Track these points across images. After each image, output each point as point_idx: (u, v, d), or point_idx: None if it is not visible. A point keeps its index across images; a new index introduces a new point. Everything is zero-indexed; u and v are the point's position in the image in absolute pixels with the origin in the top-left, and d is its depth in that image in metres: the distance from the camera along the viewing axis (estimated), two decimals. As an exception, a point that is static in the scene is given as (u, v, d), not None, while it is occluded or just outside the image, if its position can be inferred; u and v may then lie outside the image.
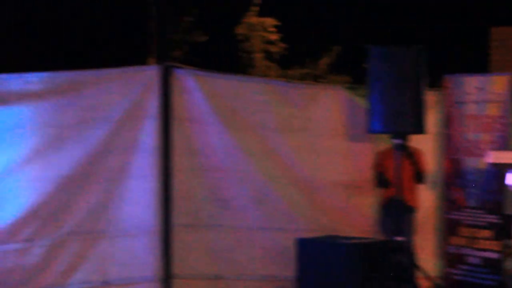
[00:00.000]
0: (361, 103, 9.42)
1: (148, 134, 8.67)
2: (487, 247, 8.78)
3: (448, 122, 9.24)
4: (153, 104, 8.65)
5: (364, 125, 8.96)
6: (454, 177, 9.19)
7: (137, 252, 8.64)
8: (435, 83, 9.81)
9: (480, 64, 13.41)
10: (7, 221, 8.04)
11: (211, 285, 9.01)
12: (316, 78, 18.84)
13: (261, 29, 19.12)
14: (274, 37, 19.40)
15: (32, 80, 8.21)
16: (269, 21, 19.16)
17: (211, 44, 19.72)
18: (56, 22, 20.66)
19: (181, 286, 8.91)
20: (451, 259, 9.03)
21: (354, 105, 9.58)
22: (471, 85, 8.95)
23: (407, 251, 8.71)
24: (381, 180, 9.27)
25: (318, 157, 9.52)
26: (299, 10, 21.21)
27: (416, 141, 9.11)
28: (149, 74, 8.72)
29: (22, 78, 8.18)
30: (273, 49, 19.41)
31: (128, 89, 8.63)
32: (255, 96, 9.40)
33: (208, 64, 12.29)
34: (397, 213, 8.98)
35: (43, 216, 8.20)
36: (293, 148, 9.37)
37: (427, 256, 9.23)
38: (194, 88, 8.99)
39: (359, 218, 9.52)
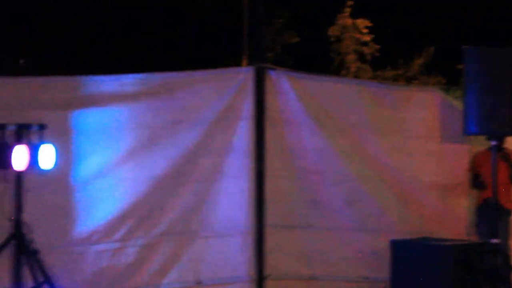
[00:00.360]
0: (456, 104, 9.41)
1: (242, 136, 8.77)
2: None
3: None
4: (247, 106, 8.75)
5: (459, 127, 8.92)
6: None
7: (230, 253, 8.72)
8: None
9: None
10: (102, 222, 8.21)
11: (304, 285, 9.02)
12: (409, 80, 18.64)
13: (354, 30, 19.05)
14: (366, 38, 19.24)
15: (127, 82, 8.37)
16: (362, 22, 19.03)
17: (303, 46, 19.81)
18: (152, 25, 21.22)
19: (273, 287, 8.97)
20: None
21: (449, 107, 9.53)
22: None
23: (502, 254, 8.62)
24: (477, 182, 9.19)
25: (412, 158, 9.49)
26: (391, 10, 21.17)
27: (512, 143, 9.27)
28: (243, 76, 8.81)
29: (118, 79, 8.38)
30: (365, 50, 19.34)
31: (222, 91, 8.73)
32: (348, 98, 9.42)
33: (301, 65, 12.33)
34: (492, 215, 8.89)
35: (137, 216, 8.35)
36: (387, 149, 9.38)
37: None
38: (288, 90, 9.04)
39: (454, 220, 9.49)
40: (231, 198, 8.79)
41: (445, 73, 18.94)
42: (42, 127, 7.58)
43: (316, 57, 19.04)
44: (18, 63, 20.46)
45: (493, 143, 8.79)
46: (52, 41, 20.26)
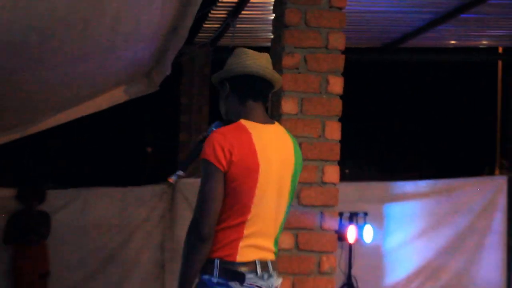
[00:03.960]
0: None
1: (498, 222, 9.75)
2: None
3: None
4: (502, 201, 9.75)
5: None
6: None
7: None
8: None
9: None
10: (403, 276, 9.45)
11: None
12: None
13: None
14: None
15: (421, 185, 9.77)
16: None
17: None
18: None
19: None
20: None
21: None
22: None
23: None
24: None
25: None
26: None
27: None
28: (499, 181, 9.88)
29: (415, 184, 9.83)
30: None
31: (485, 191, 9.72)
32: None
33: None
34: None
35: (425, 273, 9.46)
36: None
37: None
38: None
39: None
40: (491, 264, 9.62)
41: None
42: (365, 214, 9.07)
43: None
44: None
45: None
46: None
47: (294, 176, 3.56)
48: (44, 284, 8.75)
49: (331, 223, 4.58)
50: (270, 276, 3.45)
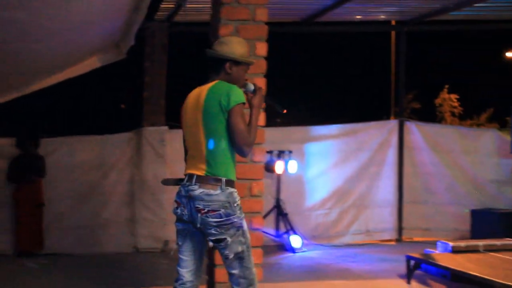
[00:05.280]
0: (505, 136, 10.01)
1: (391, 155, 9.80)
2: None
3: None
4: (394, 140, 9.80)
5: (508, 149, 9.30)
6: None
7: (384, 216, 9.72)
8: None
9: None
10: (319, 199, 9.41)
11: (421, 233, 9.73)
12: (479, 125, 20.78)
13: (449, 100, 21.64)
14: (456, 104, 21.93)
15: (333, 128, 9.69)
16: (453, 96, 21.73)
17: (423, 109, 21.90)
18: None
19: (407, 234, 9.85)
20: None
21: (501, 139, 10.03)
22: None
23: None
24: None
25: (481, 165, 9.84)
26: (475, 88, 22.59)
27: None
28: (393, 125, 9.89)
29: (329, 128, 9.67)
30: (455, 110, 22.14)
31: (382, 132, 9.74)
32: (448, 135, 10.15)
33: (421, 119, 13.66)
34: None
35: (337, 196, 9.45)
36: (469, 161, 9.93)
37: None
38: (415, 131, 9.93)
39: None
40: (386, 188, 9.73)
41: (499, 121, 20.25)
42: (290, 152, 8.94)
43: (429, 114, 21.33)
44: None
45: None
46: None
47: (204, 113, 3.62)
48: (40, 212, 8.67)
49: (260, 157, 4.58)
50: (190, 184, 3.58)
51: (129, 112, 21.28)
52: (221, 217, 3.53)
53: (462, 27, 10.95)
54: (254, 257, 3.92)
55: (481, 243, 7.31)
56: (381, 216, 9.57)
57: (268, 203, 8.60)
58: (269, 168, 8.74)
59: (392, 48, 12.68)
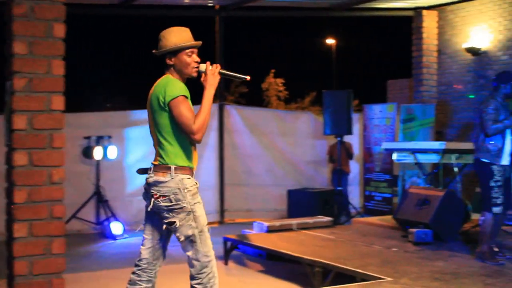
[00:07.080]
0: (320, 119, 10.32)
1: (213, 138, 9.90)
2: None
3: None
4: (214, 123, 9.87)
5: (321, 131, 9.71)
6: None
7: (206, 200, 8.58)
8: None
9: None
10: (139, 185, 7.29)
11: (245, 215, 10.01)
12: (303, 108, 21.91)
13: (275, 84, 22.89)
14: (281, 88, 23.17)
15: None
16: (279, 80, 23.08)
17: (250, 93, 22.80)
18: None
19: (228, 216, 10.01)
20: None
21: (316, 121, 10.54)
22: None
23: (343, 195, 9.41)
24: (331, 159, 9.69)
25: (299, 147, 10.31)
26: (300, 73, 23.97)
27: None
28: (214, 108, 9.47)
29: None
30: (281, 94, 23.29)
31: None
32: (268, 118, 10.48)
33: (248, 103, 13.90)
34: (338, 176, 9.52)
35: None
36: (287, 143, 10.40)
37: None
38: (235, 114, 10.13)
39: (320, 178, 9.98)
40: (208, 170, 9.73)
41: (321, 104, 21.67)
42: (109, 137, 8.83)
43: (255, 98, 22.17)
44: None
45: (338, 139, 9.72)
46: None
47: (151, 109, 3.84)
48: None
49: (59, 143, 4.40)
50: (149, 173, 3.91)
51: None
52: (171, 202, 3.79)
53: (284, 13, 11.17)
54: (56, 248, 4.11)
55: (294, 221, 7.56)
56: (203, 199, 9.33)
57: (87, 189, 8.55)
58: (87, 154, 8.60)
59: (216, 32, 12.65)
